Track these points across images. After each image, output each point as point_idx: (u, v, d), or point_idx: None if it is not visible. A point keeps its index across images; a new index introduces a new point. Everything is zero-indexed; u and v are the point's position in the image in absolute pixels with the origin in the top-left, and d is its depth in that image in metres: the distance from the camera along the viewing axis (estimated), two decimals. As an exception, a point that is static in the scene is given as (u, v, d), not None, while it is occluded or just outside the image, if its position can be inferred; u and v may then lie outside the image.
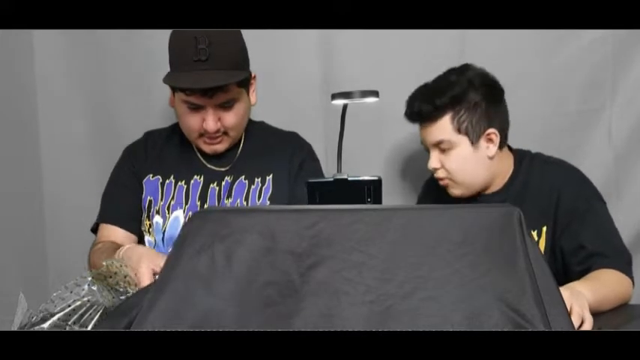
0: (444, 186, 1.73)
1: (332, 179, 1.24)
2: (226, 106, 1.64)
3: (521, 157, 1.74)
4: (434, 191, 1.84)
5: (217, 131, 1.65)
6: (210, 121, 1.63)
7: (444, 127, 1.66)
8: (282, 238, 1.05)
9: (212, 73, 1.58)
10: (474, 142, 1.66)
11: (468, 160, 1.68)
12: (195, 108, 1.63)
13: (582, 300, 1.32)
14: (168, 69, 1.62)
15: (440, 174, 1.71)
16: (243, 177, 1.71)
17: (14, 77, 2.02)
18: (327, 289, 1.03)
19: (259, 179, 1.71)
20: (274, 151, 1.74)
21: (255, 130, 1.77)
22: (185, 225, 1.10)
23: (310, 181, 1.24)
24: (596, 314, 1.39)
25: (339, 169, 1.29)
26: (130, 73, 2.01)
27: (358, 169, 1.34)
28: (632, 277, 1.58)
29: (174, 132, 1.78)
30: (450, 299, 1.02)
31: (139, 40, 1.97)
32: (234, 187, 1.70)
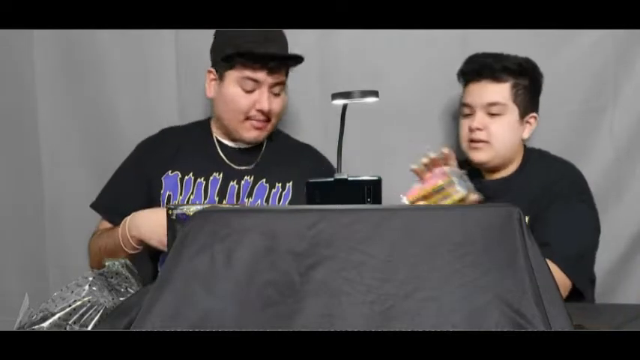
0: (475, 149, 1.75)
1: (332, 179, 1.24)
2: (276, 92, 1.70)
3: (530, 152, 1.78)
4: None
5: (268, 113, 1.69)
6: (265, 99, 1.67)
7: (504, 90, 1.72)
8: (282, 238, 1.04)
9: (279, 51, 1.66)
10: (521, 116, 1.73)
11: (511, 131, 1.73)
12: (249, 90, 1.67)
13: None
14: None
15: (480, 135, 1.73)
16: (264, 180, 1.75)
17: (14, 77, 2.02)
18: (327, 289, 1.03)
19: (280, 184, 1.75)
20: (294, 163, 1.77)
21: (275, 135, 1.80)
22: (185, 225, 1.10)
23: (310, 181, 1.24)
24: (595, 315, 1.39)
25: (339, 169, 1.29)
26: (130, 73, 2.00)
27: (358, 169, 1.33)
28: (572, 279, 1.60)
29: (193, 129, 1.81)
30: (450, 299, 1.02)
31: (138, 40, 1.97)
32: (256, 188, 1.74)
